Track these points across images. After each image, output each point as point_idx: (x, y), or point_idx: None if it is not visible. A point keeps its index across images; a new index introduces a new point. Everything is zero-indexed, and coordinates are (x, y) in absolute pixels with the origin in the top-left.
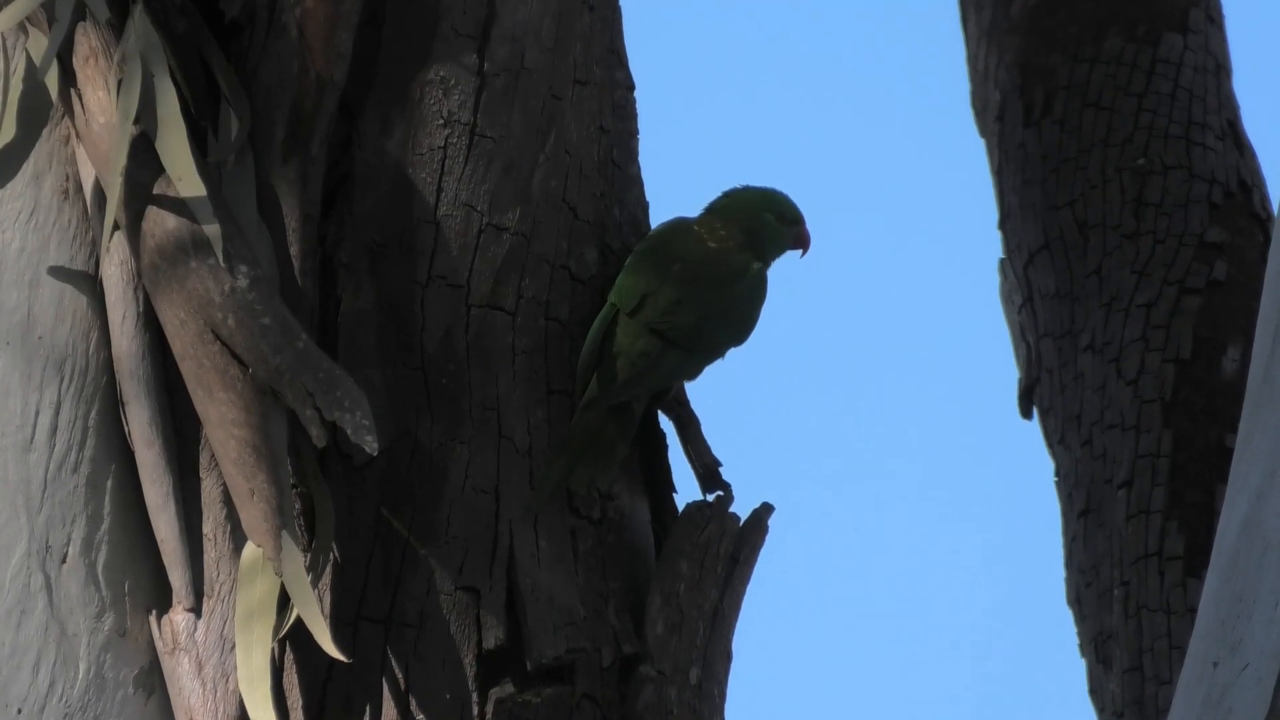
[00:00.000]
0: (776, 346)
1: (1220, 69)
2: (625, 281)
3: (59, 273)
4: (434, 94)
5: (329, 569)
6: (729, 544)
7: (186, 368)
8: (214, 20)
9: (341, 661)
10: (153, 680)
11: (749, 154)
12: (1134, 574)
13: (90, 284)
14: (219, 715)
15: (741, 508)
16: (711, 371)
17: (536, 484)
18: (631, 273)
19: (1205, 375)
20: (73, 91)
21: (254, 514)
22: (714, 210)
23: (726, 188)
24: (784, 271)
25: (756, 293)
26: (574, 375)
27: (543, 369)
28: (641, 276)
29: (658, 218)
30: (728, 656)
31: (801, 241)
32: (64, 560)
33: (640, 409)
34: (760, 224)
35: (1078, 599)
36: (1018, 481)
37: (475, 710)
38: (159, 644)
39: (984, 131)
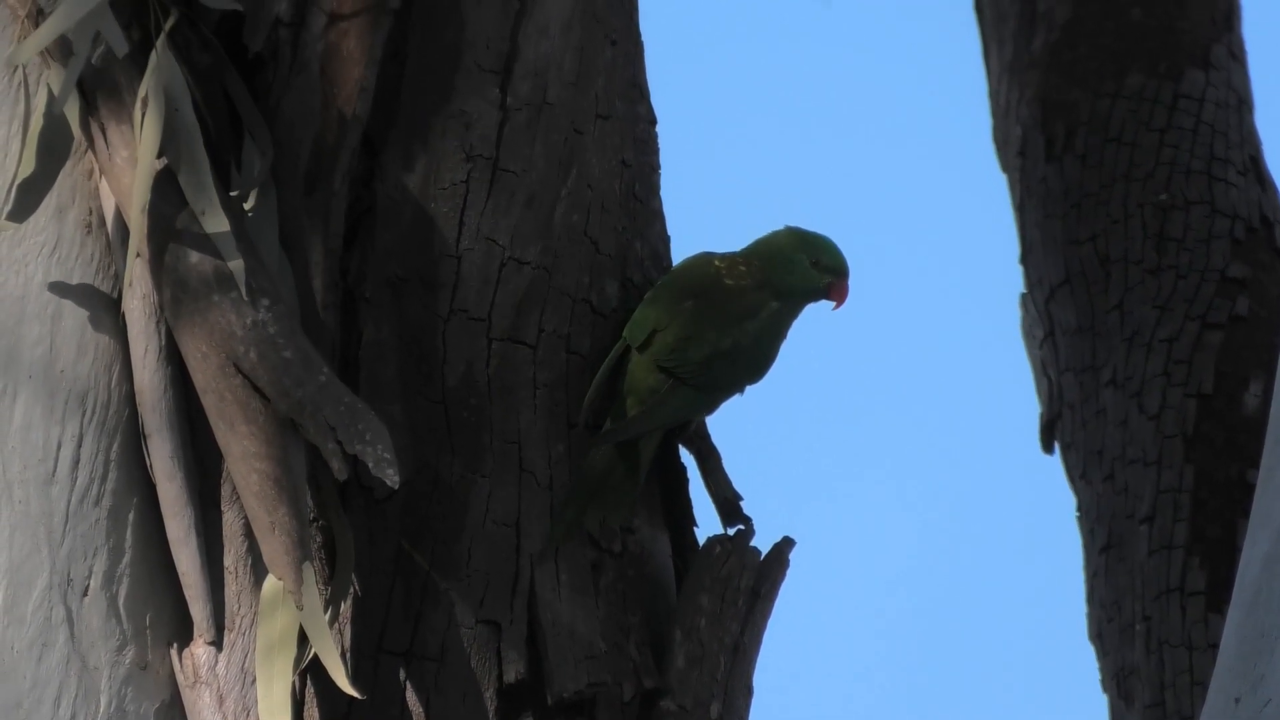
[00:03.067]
0: (799, 380)
1: (1242, 104)
2: (638, 316)
3: (74, 294)
4: (456, 128)
5: (350, 602)
6: (750, 578)
7: (208, 401)
8: (237, 54)
9: (359, 697)
10: (174, 714)
11: (770, 188)
12: (1156, 609)
13: (112, 317)
14: None
15: (762, 542)
16: (732, 405)
17: (552, 525)
18: (645, 308)
19: (1227, 410)
20: (95, 125)
21: (275, 547)
22: (751, 248)
23: (751, 217)
24: (809, 307)
25: (772, 331)
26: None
27: (564, 403)
28: (654, 311)
29: (680, 252)
30: (749, 691)
31: (835, 294)
32: (85, 593)
33: (653, 446)
34: (790, 265)
35: (1099, 634)
36: (1039, 516)
37: None
38: (180, 677)
39: (1005, 166)
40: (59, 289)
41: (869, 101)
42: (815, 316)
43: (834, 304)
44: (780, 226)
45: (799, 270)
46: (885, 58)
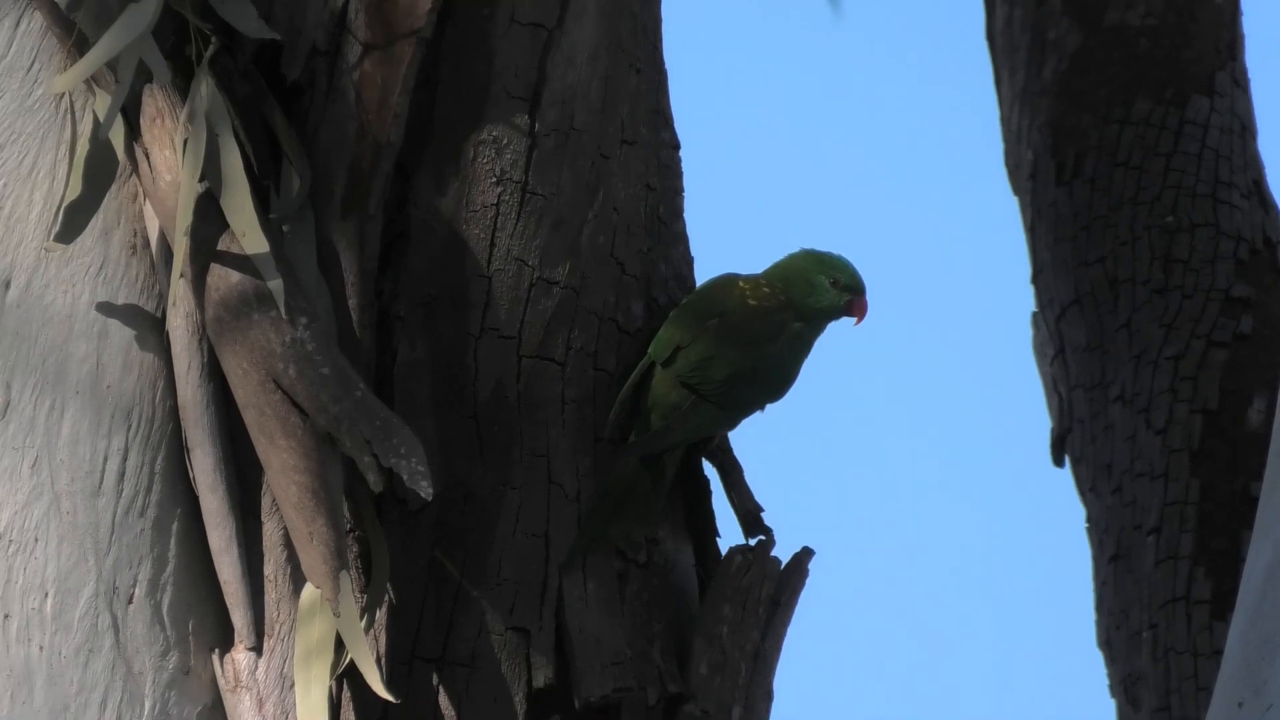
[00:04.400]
0: (819, 396)
1: (1245, 130)
2: (663, 334)
3: (119, 313)
4: (487, 153)
5: (385, 610)
6: (770, 587)
7: (249, 416)
8: (275, 83)
9: (393, 701)
10: (216, 718)
11: (790, 210)
12: (1162, 617)
13: (157, 335)
14: None
15: (782, 552)
16: (754, 421)
17: (579, 536)
18: (669, 325)
19: (1231, 426)
20: (139, 150)
21: (313, 557)
22: (771, 270)
23: (770, 237)
24: (830, 326)
25: (793, 352)
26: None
27: (591, 418)
28: (677, 330)
29: (702, 273)
30: (769, 696)
31: (856, 310)
32: (130, 601)
33: (676, 459)
34: (811, 286)
35: (1108, 641)
36: (1050, 528)
37: None
38: (221, 682)
39: (1017, 190)
40: (105, 308)
41: (884, 127)
42: (835, 334)
43: (855, 320)
44: (797, 249)
45: (820, 291)
46: (900, 86)
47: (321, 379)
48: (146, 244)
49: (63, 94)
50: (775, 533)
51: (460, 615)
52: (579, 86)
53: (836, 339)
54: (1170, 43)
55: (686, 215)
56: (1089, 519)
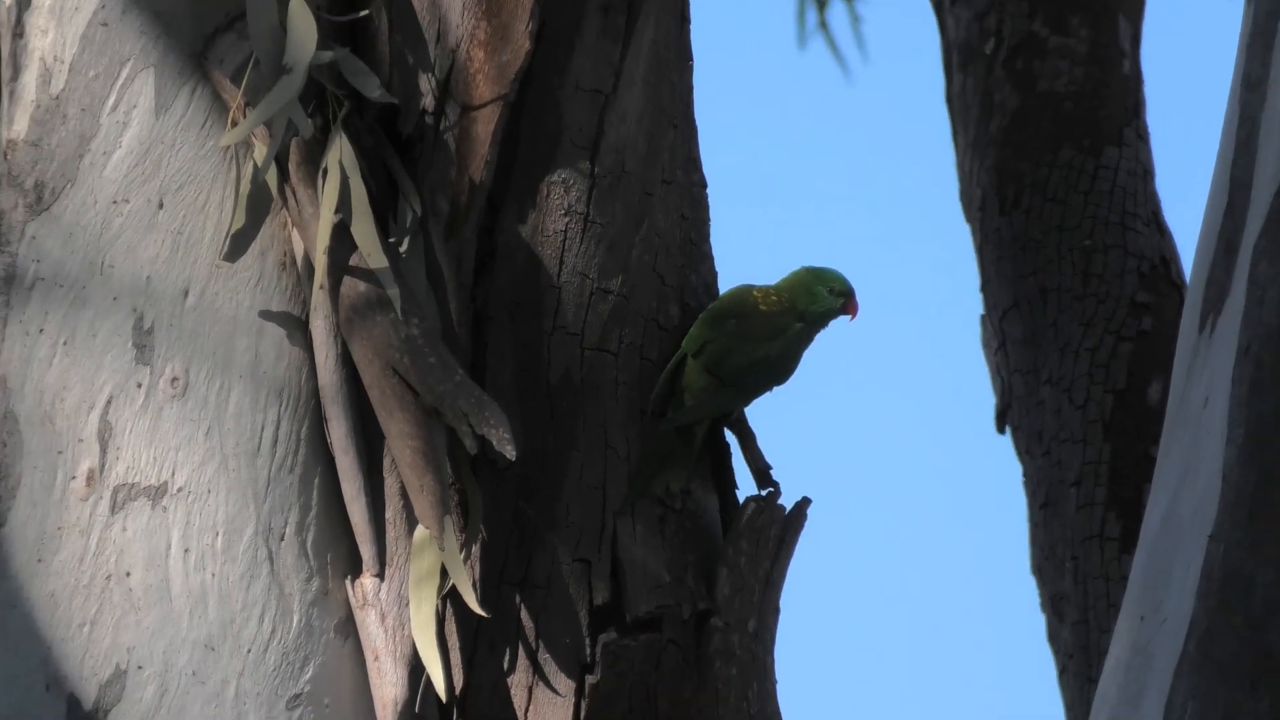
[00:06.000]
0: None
1: (1146, 173)
2: (694, 332)
3: (273, 316)
4: (557, 191)
5: (479, 545)
6: (777, 528)
7: (373, 394)
8: (393, 136)
9: (485, 616)
10: (348, 628)
11: (794, 235)
12: (1081, 551)
13: (302, 332)
14: (397, 654)
15: (787, 500)
16: (764, 400)
17: (629, 488)
18: (699, 325)
19: (1135, 403)
20: (289, 189)
21: (423, 504)
22: (779, 282)
23: (776, 255)
24: (835, 330)
25: (795, 347)
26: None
27: (638, 396)
28: (705, 328)
29: (725, 283)
30: (776, 612)
31: (850, 310)
32: (282, 538)
33: (703, 430)
34: (812, 296)
35: (1039, 569)
36: (995, 482)
37: (587, 652)
38: (353, 601)
39: (969, 219)
40: (262, 311)
41: (866, 171)
42: (830, 329)
43: (850, 318)
44: (799, 266)
45: (820, 298)
46: (879, 138)
47: (429, 366)
48: (294, 262)
49: (230, 146)
50: (781, 485)
51: (536, 549)
52: (629, 139)
53: (831, 333)
54: (1088, 105)
55: (712, 239)
56: (1025, 474)
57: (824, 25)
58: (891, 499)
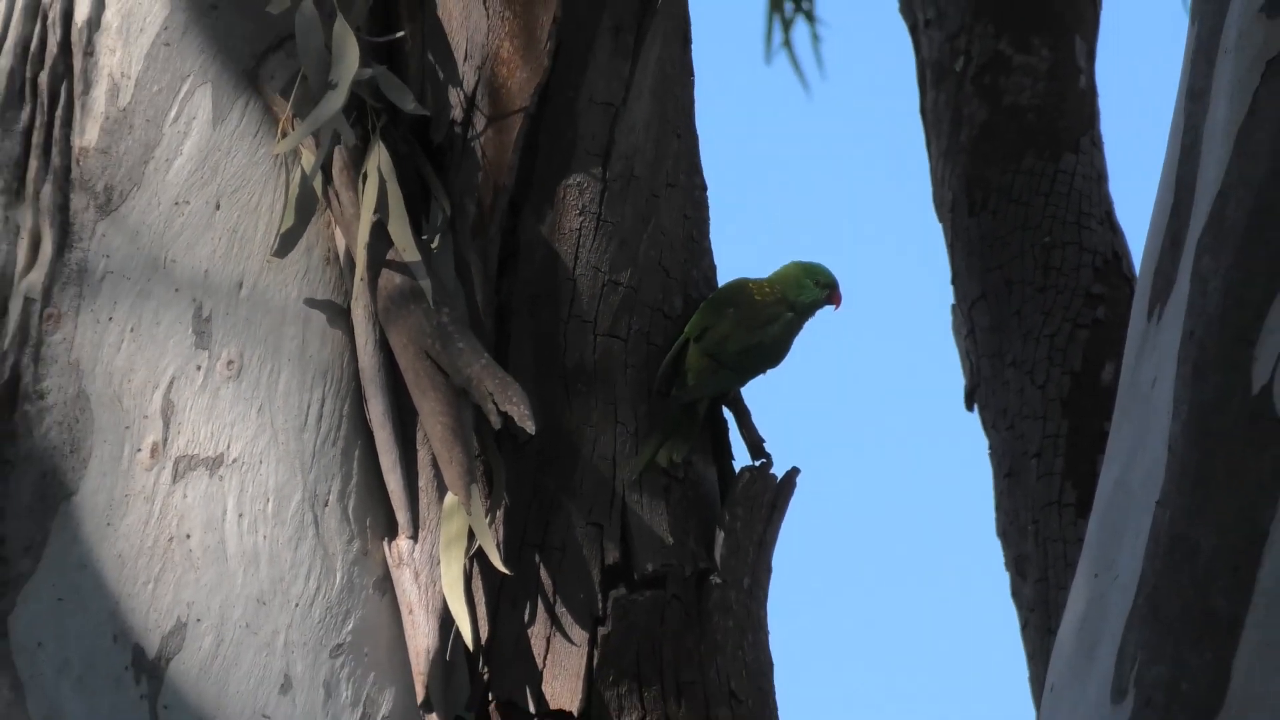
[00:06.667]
0: (808, 365)
1: (1100, 177)
2: (695, 320)
3: (318, 305)
4: (573, 194)
5: (502, 511)
6: (770, 495)
7: (408, 376)
8: (426, 144)
9: (508, 574)
10: (385, 585)
11: (789, 234)
12: (1041, 515)
13: (344, 320)
14: (429, 608)
15: (778, 470)
16: (759, 381)
17: (636, 461)
18: (700, 313)
19: (1090, 383)
20: (332, 192)
21: (452, 474)
22: (772, 275)
23: (770, 250)
24: (822, 318)
25: (786, 334)
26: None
27: (645, 378)
28: (705, 317)
29: (723, 277)
30: (769, 570)
31: (834, 300)
32: (326, 504)
33: (704, 408)
34: (800, 287)
35: (1004, 532)
36: (965, 454)
37: (599, 606)
38: (389, 561)
39: (942, 219)
40: (309, 301)
41: (850, 177)
42: (818, 318)
43: (835, 307)
44: (789, 261)
45: (807, 290)
46: (860, 148)
47: (458, 351)
48: (337, 257)
49: (281, 154)
50: (773, 457)
51: (554, 515)
52: (637, 147)
53: (818, 321)
54: (1049, 116)
55: (711, 236)
56: (990, 447)
57: (788, 43)
58: (873, 470)
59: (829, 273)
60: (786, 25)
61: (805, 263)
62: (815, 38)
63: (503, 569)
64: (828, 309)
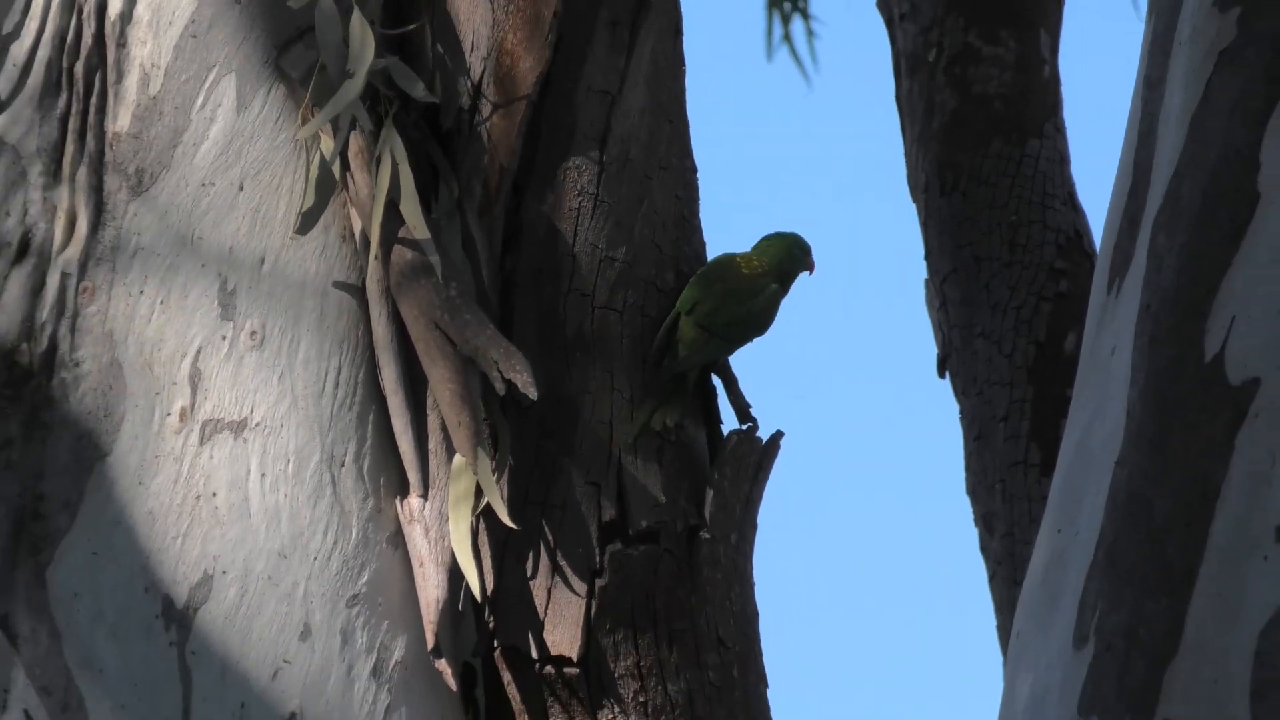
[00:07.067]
0: (794, 336)
1: (1063, 160)
2: (686, 293)
3: (335, 280)
4: (572, 175)
5: (506, 471)
6: (756, 457)
7: (418, 346)
8: (435, 130)
9: (513, 529)
10: (398, 540)
11: (775, 213)
12: (1008, 475)
13: (359, 293)
14: (438, 562)
15: (764, 433)
16: (746, 349)
17: (632, 425)
18: (691, 287)
19: (1054, 352)
20: (349, 174)
21: (460, 437)
22: (755, 247)
23: (755, 229)
24: (795, 289)
25: (772, 304)
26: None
27: (640, 348)
28: (696, 290)
29: (712, 251)
30: (754, 526)
31: (808, 266)
32: (343, 465)
33: (695, 375)
34: (788, 256)
35: (973, 491)
36: (937, 418)
37: (597, 560)
38: (401, 517)
39: (916, 200)
40: (327, 276)
41: (834, 160)
42: (804, 292)
43: (810, 272)
44: (770, 232)
45: (785, 259)
46: (843, 132)
47: (465, 322)
48: (353, 235)
49: (301, 139)
50: (759, 421)
51: (555, 475)
52: (632, 132)
53: (804, 294)
54: (1015, 104)
55: (700, 215)
56: (961, 412)
57: (788, 38)
58: (853, 432)
59: (802, 240)
60: (786, 21)
61: (781, 234)
62: (810, 34)
63: (509, 523)
64: (804, 275)
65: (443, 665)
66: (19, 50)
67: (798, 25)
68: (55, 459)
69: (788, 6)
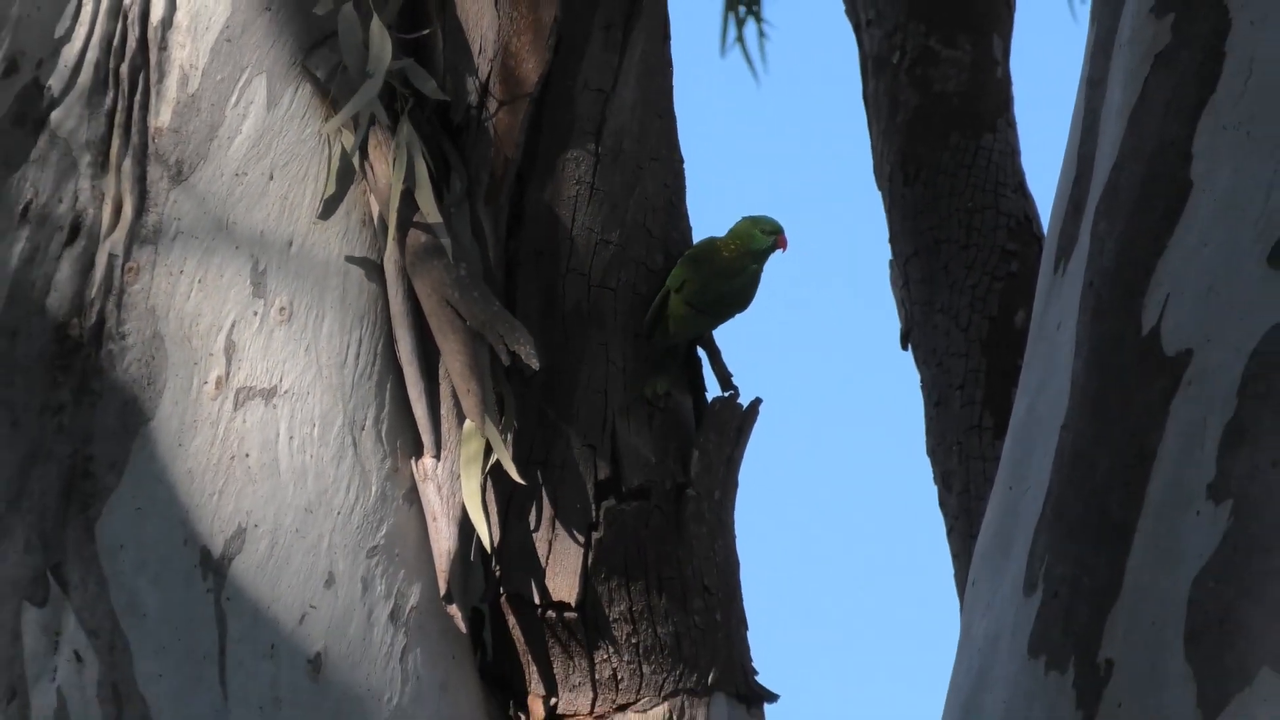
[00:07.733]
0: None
1: (1014, 152)
2: (675, 273)
3: (356, 260)
4: (571, 166)
5: (511, 434)
6: (737, 421)
7: (432, 321)
8: (446, 124)
9: (520, 484)
10: (413, 496)
11: (754, 201)
12: (965, 437)
13: (378, 272)
14: (450, 516)
15: (744, 400)
16: (729, 325)
17: (624, 393)
18: (679, 267)
19: (1005, 327)
20: (368, 164)
21: (470, 403)
22: (731, 232)
23: (737, 215)
24: (772, 269)
25: (752, 283)
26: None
27: (632, 323)
28: (685, 270)
29: (697, 235)
30: (736, 485)
31: (781, 245)
32: (363, 428)
33: (683, 347)
34: (754, 239)
35: (933, 452)
36: (900, 387)
37: (593, 515)
38: (417, 476)
39: (881, 188)
40: (348, 257)
41: (807, 152)
42: (779, 272)
43: (782, 250)
44: (742, 217)
45: (758, 239)
46: (813, 126)
47: (474, 299)
48: (372, 220)
49: (323, 134)
50: (740, 389)
51: (555, 437)
52: (625, 126)
53: (780, 276)
54: (971, 101)
55: (687, 202)
56: (922, 380)
57: (740, 40)
58: (824, 398)
59: (774, 221)
60: (740, 24)
61: (754, 217)
62: (761, 35)
63: (518, 479)
64: (778, 253)
65: (454, 610)
66: (70, 53)
67: (751, 28)
68: (103, 423)
69: (742, 10)
